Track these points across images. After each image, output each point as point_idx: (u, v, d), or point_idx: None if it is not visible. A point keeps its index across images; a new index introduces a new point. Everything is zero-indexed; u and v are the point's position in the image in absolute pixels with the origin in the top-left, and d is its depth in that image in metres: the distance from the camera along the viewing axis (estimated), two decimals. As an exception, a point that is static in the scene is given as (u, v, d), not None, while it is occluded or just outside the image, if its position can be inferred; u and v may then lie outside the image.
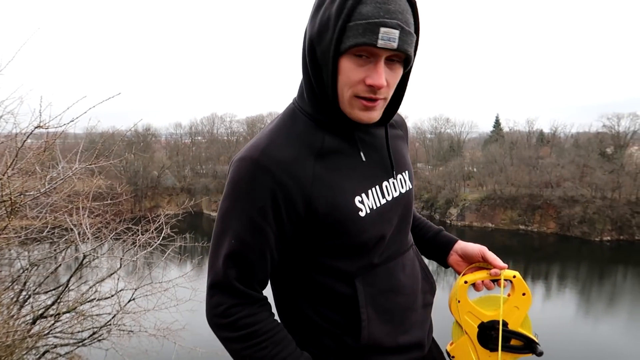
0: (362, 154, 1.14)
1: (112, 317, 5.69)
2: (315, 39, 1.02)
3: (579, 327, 23.83)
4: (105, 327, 5.66)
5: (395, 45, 0.96)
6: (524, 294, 1.32)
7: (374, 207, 1.13)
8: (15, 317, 4.98)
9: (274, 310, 1.19)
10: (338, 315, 1.14)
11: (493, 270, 1.30)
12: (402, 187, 1.23)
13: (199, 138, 62.71)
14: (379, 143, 1.18)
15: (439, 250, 1.43)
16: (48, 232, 5.46)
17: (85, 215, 5.62)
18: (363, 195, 1.12)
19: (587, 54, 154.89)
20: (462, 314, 1.35)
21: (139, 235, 5.99)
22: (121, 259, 5.86)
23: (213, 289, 1.10)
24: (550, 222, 44.89)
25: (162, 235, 6.11)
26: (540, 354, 1.34)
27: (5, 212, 4.01)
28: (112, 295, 5.89)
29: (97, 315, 5.74)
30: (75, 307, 5.56)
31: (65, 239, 5.60)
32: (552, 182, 46.03)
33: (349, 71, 1.00)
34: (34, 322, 5.19)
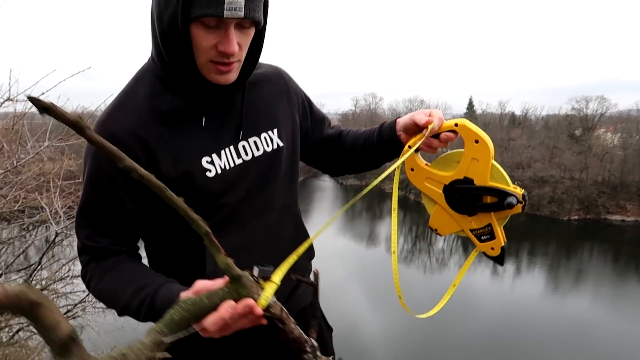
0: (216, 115, 1.13)
1: (87, 295, 5.67)
2: (162, 5, 0.99)
3: (548, 302, 24.71)
4: (79, 305, 5.65)
5: (241, 14, 0.96)
6: (476, 142, 1.15)
7: (227, 167, 1.13)
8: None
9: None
10: (186, 264, 1.17)
11: (428, 126, 1.16)
12: (267, 146, 1.21)
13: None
14: (238, 103, 1.17)
15: (388, 141, 1.34)
16: (18, 210, 5.39)
17: (57, 194, 5.55)
18: (214, 155, 1.12)
19: (558, 36, 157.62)
20: (422, 181, 1.23)
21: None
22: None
23: (78, 250, 1.17)
24: (520, 202, 46.04)
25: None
26: (515, 204, 1.14)
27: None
28: (86, 273, 5.86)
29: (71, 292, 5.71)
30: (49, 286, 5.52)
31: (37, 218, 5.54)
32: (523, 163, 47.09)
33: (200, 38, 1.00)
34: (6, 301, 5.14)
